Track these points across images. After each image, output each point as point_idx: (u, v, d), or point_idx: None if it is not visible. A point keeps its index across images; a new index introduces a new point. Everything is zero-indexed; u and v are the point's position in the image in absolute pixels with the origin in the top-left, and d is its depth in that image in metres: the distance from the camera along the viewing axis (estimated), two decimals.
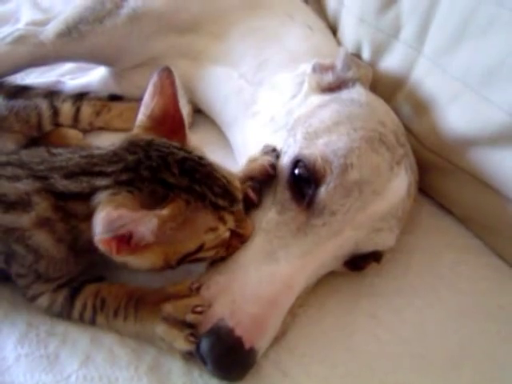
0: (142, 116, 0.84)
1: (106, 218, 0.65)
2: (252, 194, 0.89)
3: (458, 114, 1.02)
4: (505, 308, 0.98)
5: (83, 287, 0.85)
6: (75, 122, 1.27)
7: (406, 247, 0.95)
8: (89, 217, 0.69)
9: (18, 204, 0.77)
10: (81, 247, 0.79)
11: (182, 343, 0.78)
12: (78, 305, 0.84)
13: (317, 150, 0.87)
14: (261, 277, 0.81)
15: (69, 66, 1.51)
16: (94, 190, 0.73)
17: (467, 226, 1.12)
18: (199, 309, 0.79)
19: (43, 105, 1.21)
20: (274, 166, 0.91)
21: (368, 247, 0.89)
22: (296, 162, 0.88)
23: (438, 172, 1.11)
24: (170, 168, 0.75)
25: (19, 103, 1.18)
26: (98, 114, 1.29)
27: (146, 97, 0.84)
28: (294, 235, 0.85)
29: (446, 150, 1.06)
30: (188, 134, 0.84)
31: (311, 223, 0.85)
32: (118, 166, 0.75)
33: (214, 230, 0.77)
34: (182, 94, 0.85)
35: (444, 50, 1.04)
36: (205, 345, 0.77)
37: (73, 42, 1.24)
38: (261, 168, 0.91)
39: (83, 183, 0.75)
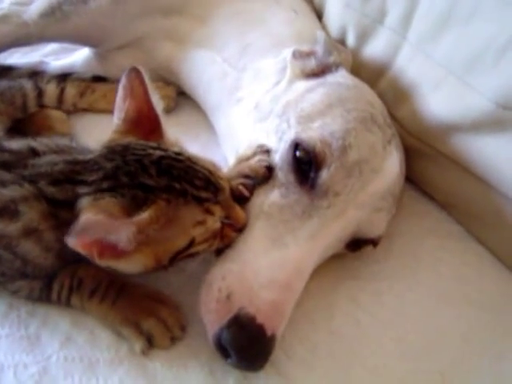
0: (117, 121, 0.83)
1: (82, 222, 0.66)
2: (245, 191, 0.88)
3: (442, 100, 1.02)
4: (485, 293, 0.99)
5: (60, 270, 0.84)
6: (59, 103, 1.25)
7: (387, 231, 0.95)
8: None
9: (5, 212, 0.76)
10: (69, 255, 0.77)
11: (166, 342, 0.82)
12: (56, 286, 0.84)
13: (314, 134, 0.87)
14: (272, 263, 0.81)
15: (52, 46, 1.49)
16: (78, 197, 0.73)
17: (449, 211, 1.13)
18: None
19: (28, 85, 1.20)
20: (269, 168, 0.90)
21: (367, 230, 0.90)
22: (296, 146, 0.88)
23: (420, 158, 1.11)
24: (147, 170, 0.75)
25: (3, 84, 1.17)
26: (81, 95, 1.28)
27: (118, 100, 0.84)
28: (299, 218, 0.84)
29: (429, 135, 1.07)
30: (165, 130, 0.84)
31: (316, 205, 0.84)
32: (98, 174, 0.75)
33: (202, 223, 0.76)
34: (154, 90, 0.84)
35: (428, 36, 1.05)
36: (228, 335, 0.75)
37: (56, 22, 1.23)
38: (256, 167, 0.90)
39: (68, 191, 0.75)
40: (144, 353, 0.81)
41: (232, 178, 0.89)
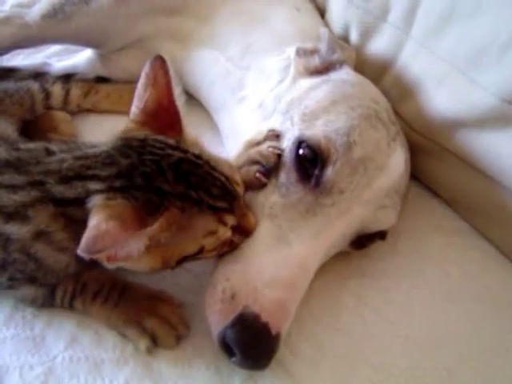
0: (135, 109, 0.81)
1: (92, 234, 0.64)
2: (263, 178, 0.88)
3: (446, 96, 1.02)
4: (491, 290, 0.99)
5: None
6: (65, 104, 1.25)
7: (392, 229, 0.94)
8: (86, 222, 0.68)
9: (17, 215, 0.75)
10: None
11: (171, 340, 0.82)
12: (59, 292, 0.84)
13: (318, 131, 0.87)
14: (276, 261, 0.80)
15: (55, 48, 1.48)
16: (89, 194, 0.71)
17: (454, 208, 1.13)
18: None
19: (35, 87, 1.20)
20: (279, 155, 0.90)
21: (373, 226, 0.90)
22: (299, 144, 0.87)
23: (425, 154, 1.11)
24: (164, 174, 0.73)
25: (11, 85, 1.17)
26: (85, 95, 1.28)
27: (139, 88, 0.81)
28: (303, 217, 0.84)
29: (434, 132, 1.06)
30: (185, 126, 0.81)
31: (320, 203, 0.84)
32: (111, 170, 0.73)
33: (213, 233, 0.75)
34: (177, 83, 0.82)
35: (432, 32, 1.04)
36: (232, 334, 0.75)
37: (58, 23, 1.22)
38: (268, 154, 0.89)
39: (78, 188, 0.73)
40: (149, 351, 0.81)
41: (242, 164, 0.89)
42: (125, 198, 0.70)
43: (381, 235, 0.93)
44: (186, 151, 0.77)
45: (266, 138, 0.92)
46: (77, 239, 0.73)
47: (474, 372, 0.86)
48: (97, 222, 0.65)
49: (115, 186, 0.71)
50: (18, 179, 0.77)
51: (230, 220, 0.77)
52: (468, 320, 0.93)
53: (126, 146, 0.76)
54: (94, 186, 0.72)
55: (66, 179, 0.75)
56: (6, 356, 0.80)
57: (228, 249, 0.82)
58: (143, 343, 0.81)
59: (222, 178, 0.77)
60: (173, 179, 0.73)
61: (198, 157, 0.77)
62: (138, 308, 0.83)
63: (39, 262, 0.78)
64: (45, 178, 0.75)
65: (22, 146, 0.85)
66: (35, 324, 0.84)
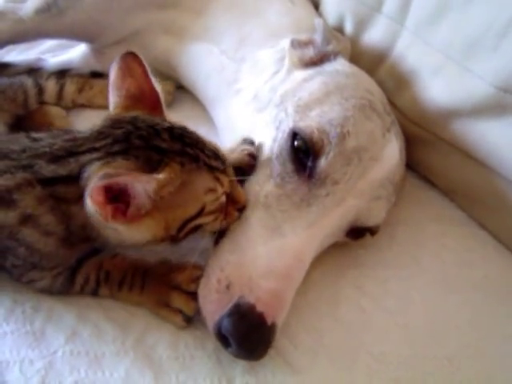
0: (116, 98, 0.83)
1: (102, 173, 0.64)
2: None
3: (441, 85, 1.02)
4: (489, 278, 0.99)
5: (83, 263, 0.84)
6: (59, 99, 1.25)
7: (390, 219, 0.95)
8: (80, 199, 0.68)
9: (2, 201, 0.75)
10: (74, 236, 0.78)
11: (191, 308, 0.83)
12: (80, 279, 0.84)
13: (312, 122, 0.87)
14: (270, 252, 0.81)
15: (49, 43, 1.48)
16: (83, 168, 0.72)
17: (451, 198, 1.13)
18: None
19: (28, 82, 1.20)
20: (253, 156, 0.92)
21: (366, 219, 0.90)
22: (293, 135, 0.88)
23: (421, 144, 1.11)
24: (160, 135, 0.74)
25: (4, 81, 1.17)
26: (80, 91, 1.27)
27: (116, 81, 0.83)
28: (297, 207, 0.84)
29: (430, 122, 1.07)
30: (165, 110, 0.84)
31: (314, 193, 0.84)
32: (106, 140, 0.74)
33: (212, 190, 0.76)
34: (152, 73, 0.84)
35: (426, 23, 1.04)
36: (228, 324, 0.75)
37: (52, 18, 1.22)
38: (240, 157, 0.91)
39: (71, 164, 0.74)
40: (186, 324, 0.83)
41: None
42: (125, 159, 0.71)
43: (371, 231, 0.94)
44: (173, 123, 0.79)
45: (240, 145, 0.94)
46: (64, 221, 0.75)
47: (473, 360, 0.86)
48: (102, 172, 0.66)
49: (114, 151, 0.73)
50: (2, 164, 0.77)
51: (225, 181, 0.79)
52: (467, 308, 0.93)
53: (116, 122, 0.78)
54: (88, 157, 0.73)
55: (56, 158, 0.75)
56: (7, 351, 0.80)
57: (224, 221, 0.83)
58: (177, 321, 0.83)
59: (211, 145, 0.80)
60: (169, 138, 0.75)
61: (186, 127, 0.80)
62: (161, 287, 0.84)
63: (29, 247, 0.77)
64: (33, 161, 0.76)
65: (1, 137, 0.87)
66: (35, 318, 0.83)
